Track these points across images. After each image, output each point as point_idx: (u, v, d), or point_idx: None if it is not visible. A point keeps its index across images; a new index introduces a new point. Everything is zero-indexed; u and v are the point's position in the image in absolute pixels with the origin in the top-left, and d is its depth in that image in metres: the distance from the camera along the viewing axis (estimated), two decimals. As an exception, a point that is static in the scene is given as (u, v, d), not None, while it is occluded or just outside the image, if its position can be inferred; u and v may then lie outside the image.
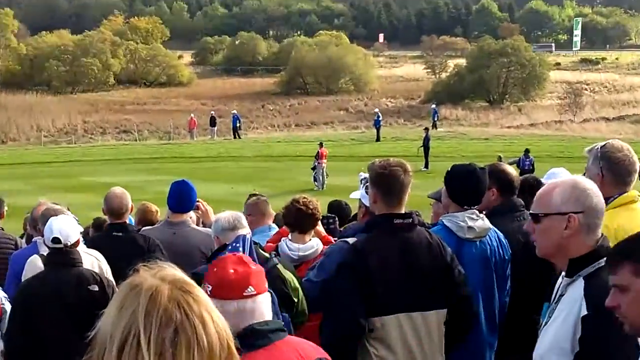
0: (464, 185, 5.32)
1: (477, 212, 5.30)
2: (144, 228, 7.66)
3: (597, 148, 4.72)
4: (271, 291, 5.08)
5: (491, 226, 5.34)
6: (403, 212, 4.86)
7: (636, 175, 4.70)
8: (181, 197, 7.27)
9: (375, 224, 4.91)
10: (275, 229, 7.16)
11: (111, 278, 6.21)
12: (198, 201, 7.49)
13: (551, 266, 4.82)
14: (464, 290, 4.96)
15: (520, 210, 5.78)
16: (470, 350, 5.25)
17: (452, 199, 5.36)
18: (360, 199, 5.73)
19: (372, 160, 5.05)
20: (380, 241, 4.78)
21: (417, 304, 4.74)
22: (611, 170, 4.63)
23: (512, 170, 5.95)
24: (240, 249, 5.12)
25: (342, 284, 4.75)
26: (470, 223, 5.21)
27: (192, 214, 7.70)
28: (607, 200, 4.58)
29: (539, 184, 6.25)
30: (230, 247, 5.17)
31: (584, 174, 4.84)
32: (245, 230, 5.59)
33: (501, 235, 5.42)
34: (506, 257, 5.39)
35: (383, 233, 4.80)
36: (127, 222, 7.22)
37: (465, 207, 5.28)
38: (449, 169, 5.46)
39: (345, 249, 4.96)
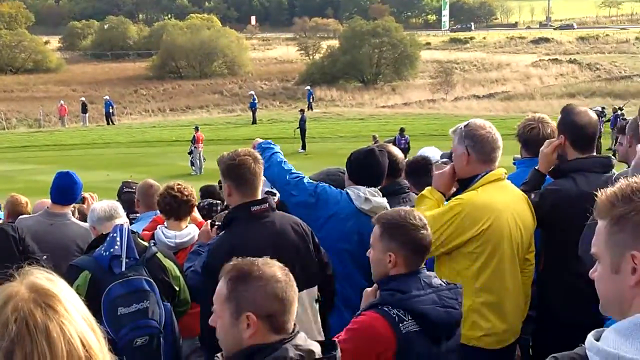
0: (363, 166, 5.39)
1: (379, 191, 5.38)
2: (20, 217, 7.38)
3: (461, 128, 4.79)
4: (151, 280, 5.04)
5: (387, 207, 5.34)
6: (259, 198, 4.84)
7: (500, 152, 4.79)
8: (63, 189, 6.98)
9: (233, 217, 4.87)
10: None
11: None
12: (85, 194, 7.27)
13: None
14: (328, 270, 5.05)
15: (405, 191, 5.84)
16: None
17: (353, 181, 5.41)
18: None
19: (221, 154, 5.00)
20: (242, 232, 4.74)
21: None
22: (475, 148, 4.71)
23: (399, 152, 5.98)
24: (118, 238, 5.04)
25: (207, 284, 4.76)
26: (368, 196, 5.28)
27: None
28: (475, 178, 4.73)
29: (428, 164, 6.38)
30: (109, 238, 5.09)
31: (451, 154, 4.97)
32: (122, 220, 5.49)
33: None
34: None
35: (242, 223, 4.77)
36: None
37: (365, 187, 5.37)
38: (350, 154, 5.51)
39: (208, 249, 4.91)
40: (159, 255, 5.30)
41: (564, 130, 5.10)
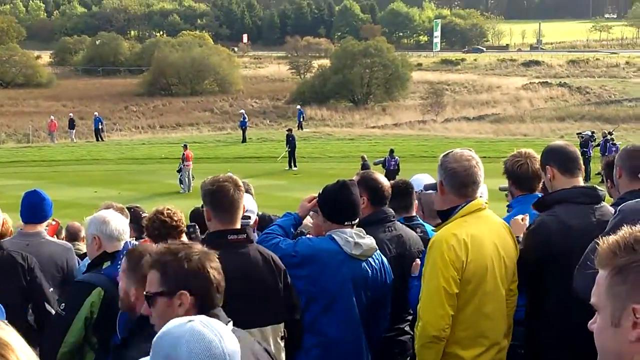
0: (337, 202, 5.15)
1: (364, 231, 5.14)
2: None
3: (441, 156, 4.71)
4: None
5: (377, 248, 5.18)
6: (237, 227, 4.76)
7: (476, 187, 4.64)
8: (32, 208, 6.82)
9: (209, 242, 4.71)
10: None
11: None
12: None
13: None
14: (296, 313, 4.94)
15: (391, 220, 5.63)
16: None
17: (330, 219, 5.16)
18: None
19: (205, 178, 4.94)
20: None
21: (254, 320, 4.61)
22: (447, 181, 4.62)
23: (384, 180, 5.75)
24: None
25: None
26: (357, 239, 5.04)
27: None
28: (454, 209, 4.63)
29: (409, 188, 6.26)
30: (122, 255, 5.04)
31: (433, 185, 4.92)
32: (127, 237, 5.49)
33: (385, 260, 5.25)
34: (388, 282, 5.23)
35: (217, 250, 4.69)
36: None
37: (345, 223, 5.09)
38: (320, 192, 5.26)
39: None
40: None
41: (549, 160, 5.02)
